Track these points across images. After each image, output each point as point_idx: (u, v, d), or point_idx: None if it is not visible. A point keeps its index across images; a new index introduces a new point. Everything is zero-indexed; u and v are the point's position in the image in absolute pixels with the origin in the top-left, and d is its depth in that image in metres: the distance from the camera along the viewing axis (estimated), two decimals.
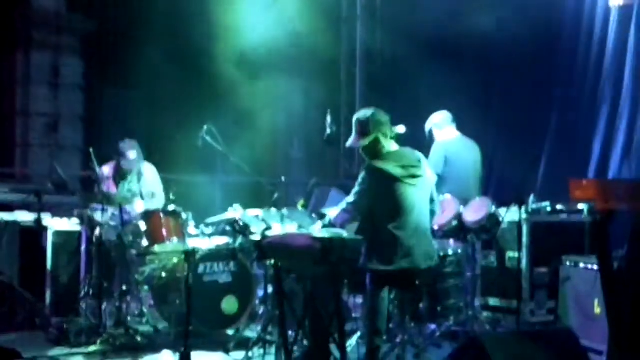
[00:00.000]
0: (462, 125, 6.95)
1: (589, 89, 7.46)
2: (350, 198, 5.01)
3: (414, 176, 4.98)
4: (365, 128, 5.04)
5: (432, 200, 5.18)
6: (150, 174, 6.95)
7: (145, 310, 6.33)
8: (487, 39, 8.26)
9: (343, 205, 5.03)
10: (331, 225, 5.03)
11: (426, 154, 6.40)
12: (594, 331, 5.09)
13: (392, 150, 5.07)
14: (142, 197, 6.82)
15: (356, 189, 4.99)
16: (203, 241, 6.32)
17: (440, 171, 6.43)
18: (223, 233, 6.43)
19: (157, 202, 6.77)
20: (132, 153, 6.71)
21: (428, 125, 6.87)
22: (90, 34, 9.24)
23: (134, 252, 6.26)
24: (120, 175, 6.83)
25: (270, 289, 5.77)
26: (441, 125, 6.82)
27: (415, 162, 5.06)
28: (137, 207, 6.54)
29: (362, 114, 5.13)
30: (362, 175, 5.00)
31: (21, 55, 9.15)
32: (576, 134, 7.56)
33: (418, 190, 4.99)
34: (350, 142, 5.16)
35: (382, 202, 4.92)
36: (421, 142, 7.22)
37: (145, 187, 6.86)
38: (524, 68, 8.11)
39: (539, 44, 7.94)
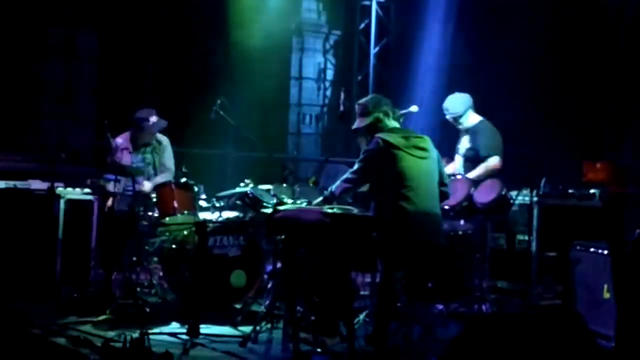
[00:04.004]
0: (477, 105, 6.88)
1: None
2: (353, 169, 5.09)
3: (417, 147, 5.02)
4: (365, 109, 5.20)
5: (443, 184, 5.22)
6: (163, 146, 6.94)
7: (154, 281, 6.37)
8: (500, 14, 8.21)
9: (344, 175, 5.10)
10: (332, 194, 5.12)
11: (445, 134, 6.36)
12: (602, 316, 5.09)
13: (394, 127, 5.16)
14: (154, 168, 6.83)
15: (359, 159, 5.08)
16: (214, 214, 6.35)
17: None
18: (234, 207, 6.45)
19: (168, 176, 6.76)
20: (154, 117, 6.73)
21: (464, 107, 6.55)
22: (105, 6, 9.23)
23: (144, 223, 6.29)
24: (135, 145, 6.81)
25: (279, 264, 5.79)
26: (473, 107, 6.64)
27: (418, 135, 5.13)
28: (145, 186, 6.49)
29: (363, 99, 5.35)
30: (363, 149, 5.09)
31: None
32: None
33: (423, 163, 5.03)
34: (354, 125, 5.28)
35: (386, 172, 4.97)
36: (433, 121, 7.19)
37: (159, 159, 6.87)
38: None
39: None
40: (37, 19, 8.91)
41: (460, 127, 6.61)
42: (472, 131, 6.57)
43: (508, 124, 7.79)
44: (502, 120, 8.13)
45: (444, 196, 5.25)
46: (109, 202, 6.23)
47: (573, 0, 7.79)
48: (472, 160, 6.50)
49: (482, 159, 6.43)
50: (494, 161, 6.41)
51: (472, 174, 6.35)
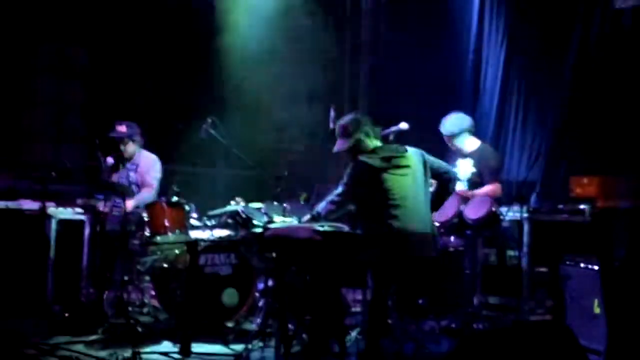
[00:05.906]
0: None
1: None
2: (337, 191, 5.14)
3: (398, 166, 5.06)
4: (347, 131, 5.22)
5: (446, 171, 5.37)
6: (146, 163, 6.93)
7: (146, 300, 6.37)
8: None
9: (330, 197, 5.13)
10: (318, 215, 5.16)
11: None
12: (593, 331, 5.11)
13: (375, 146, 5.18)
14: (138, 187, 6.83)
15: (343, 181, 5.12)
16: (205, 233, 6.36)
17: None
18: (225, 225, 6.46)
19: (146, 193, 6.75)
20: (122, 127, 6.71)
21: (458, 127, 6.52)
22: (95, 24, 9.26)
23: (136, 242, 6.28)
24: (118, 163, 6.79)
25: (270, 282, 5.79)
26: (471, 131, 6.61)
27: (398, 152, 5.15)
28: (127, 205, 6.41)
29: (343, 119, 5.32)
30: (347, 171, 5.13)
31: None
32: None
33: (407, 179, 5.06)
34: (335, 147, 5.29)
35: (371, 193, 5.00)
36: (425, 139, 7.19)
37: (141, 178, 6.87)
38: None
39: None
40: (27, 35, 8.93)
41: (454, 148, 6.61)
42: (475, 156, 6.55)
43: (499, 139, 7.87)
44: (492, 134, 8.22)
45: (451, 179, 5.47)
46: (100, 222, 6.20)
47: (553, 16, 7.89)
48: (478, 185, 6.47)
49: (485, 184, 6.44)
50: (494, 188, 6.41)
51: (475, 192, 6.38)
